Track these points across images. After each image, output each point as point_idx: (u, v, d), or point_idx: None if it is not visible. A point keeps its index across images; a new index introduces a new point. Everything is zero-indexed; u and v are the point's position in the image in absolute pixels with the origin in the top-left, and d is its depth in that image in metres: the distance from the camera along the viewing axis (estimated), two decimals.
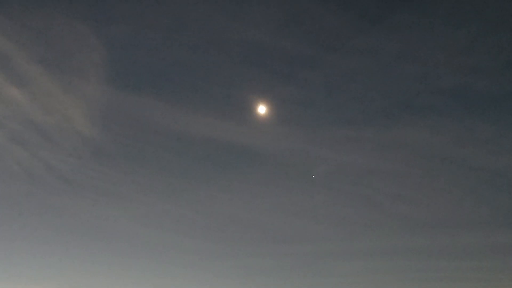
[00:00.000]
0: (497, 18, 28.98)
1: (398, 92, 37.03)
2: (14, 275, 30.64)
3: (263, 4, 29.05)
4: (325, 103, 37.15)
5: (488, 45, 30.36)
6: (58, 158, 31.43)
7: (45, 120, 27.67)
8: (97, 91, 28.04)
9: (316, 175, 46.84)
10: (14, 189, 30.53)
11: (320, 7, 30.07)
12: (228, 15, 29.11)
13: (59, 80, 27.34)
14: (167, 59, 30.54)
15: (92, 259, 38.05)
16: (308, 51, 31.99)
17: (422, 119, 40.66)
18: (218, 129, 36.91)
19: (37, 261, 33.19)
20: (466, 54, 31.21)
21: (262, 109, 30.06)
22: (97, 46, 26.75)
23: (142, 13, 28.15)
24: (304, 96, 37.01)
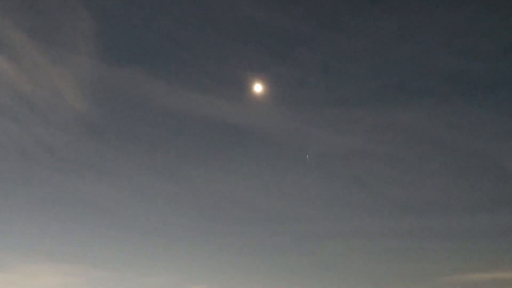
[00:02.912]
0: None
1: (394, 74, 36.69)
2: (4, 248, 30.61)
3: None
4: (320, 83, 36.70)
5: (487, 27, 29.91)
6: (49, 133, 30.96)
7: (35, 94, 27.07)
8: (88, 65, 27.34)
9: (310, 156, 46.88)
10: (4, 163, 30.14)
11: None
12: None
13: (48, 52, 26.56)
14: (160, 34, 29.73)
15: (83, 233, 38.09)
16: (305, 30, 31.30)
17: (418, 102, 40.52)
18: (213, 106, 36.40)
19: (27, 234, 33.17)
20: (465, 36, 30.76)
21: (257, 88, 29.65)
22: (87, 17, 25.89)
23: None
24: (300, 76, 36.51)
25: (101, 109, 32.40)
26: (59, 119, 30.14)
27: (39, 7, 24.83)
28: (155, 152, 40.21)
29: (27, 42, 24.92)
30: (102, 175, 40.06)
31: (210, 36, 30.42)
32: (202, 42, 30.92)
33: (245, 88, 32.25)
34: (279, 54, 31.87)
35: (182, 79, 33.72)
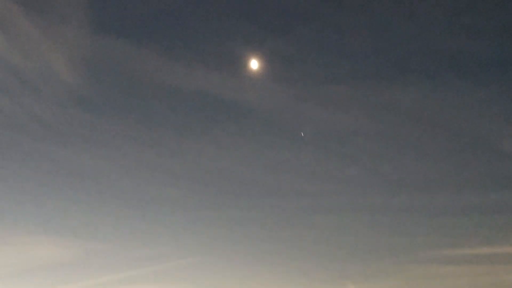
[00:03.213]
0: None
1: (393, 52, 36.30)
2: None
3: None
4: (317, 59, 36.28)
5: (488, 6, 29.37)
6: (41, 106, 30.57)
7: (26, 66, 26.51)
8: (80, 37, 26.69)
9: (305, 133, 47.24)
10: None
11: None
12: None
13: (39, 23, 25.82)
14: (154, 7, 28.92)
15: (77, 206, 38.29)
16: (304, 5, 30.60)
17: (416, 82, 40.37)
18: (208, 81, 36.03)
19: (20, 206, 33.25)
20: (465, 15, 30.23)
21: (254, 64, 29.29)
22: None
23: None
24: (297, 52, 35.99)
25: (94, 83, 31.85)
26: (50, 92, 29.66)
27: None
28: (149, 126, 39.96)
29: (17, 12, 24.16)
30: (95, 148, 39.89)
31: (206, 9, 29.65)
32: (198, 16, 30.17)
33: (241, 63, 31.82)
34: (276, 29, 31.25)
35: (177, 53, 33.11)
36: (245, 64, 30.55)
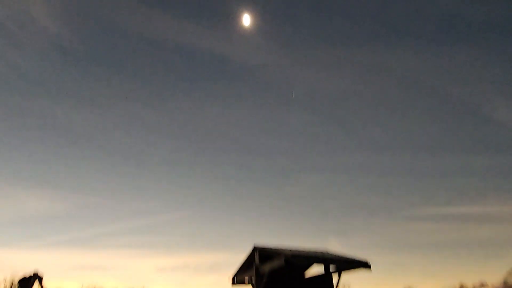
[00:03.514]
0: None
1: (387, 15, 35.20)
2: None
3: None
4: (311, 19, 34.94)
5: None
6: (25, 59, 29.13)
7: (6, 16, 24.71)
8: None
9: (296, 94, 45.78)
10: None
11: None
12: None
13: None
14: None
15: (67, 162, 37.01)
16: None
17: (409, 45, 39.26)
18: (198, 36, 34.08)
19: (10, 160, 32.00)
20: None
21: (246, 20, 27.69)
22: None
23: None
24: (291, 10, 34.37)
25: (78, 35, 30.06)
26: (34, 44, 28.03)
27: None
28: (137, 81, 38.25)
29: None
30: (81, 102, 38.37)
31: None
32: None
33: (233, 19, 30.19)
34: None
35: (167, 6, 31.48)
36: (237, 20, 28.72)
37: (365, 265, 11.76)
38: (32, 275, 6.84)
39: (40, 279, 6.87)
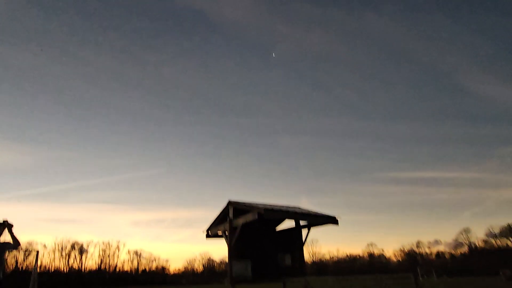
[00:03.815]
0: None
1: None
2: None
3: None
4: None
5: None
6: None
7: None
8: None
9: (277, 54, 46.75)
10: None
11: None
12: None
13: None
14: None
15: (37, 115, 36.09)
16: None
17: (389, 10, 39.98)
18: None
19: None
20: None
21: None
22: None
23: None
24: None
25: None
26: None
27: None
28: (110, 32, 37.26)
29: None
30: (52, 51, 36.59)
31: None
32: None
33: None
34: None
35: None
36: None
37: (333, 220, 12.47)
38: (1, 222, 6.70)
39: (10, 227, 6.75)
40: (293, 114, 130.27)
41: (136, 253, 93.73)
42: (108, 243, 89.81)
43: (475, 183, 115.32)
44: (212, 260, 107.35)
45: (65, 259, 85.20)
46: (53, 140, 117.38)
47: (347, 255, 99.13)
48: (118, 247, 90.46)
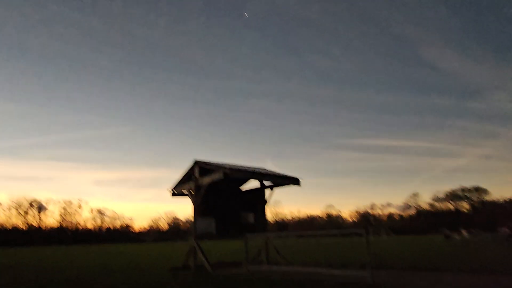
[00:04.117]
0: None
1: None
2: None
3: None
4: None
5: None
6: None
7: None
8: None
9: (249, 14, 46.45)
10: None
11: None
12: None
13: None
14: None
15: None
16: None
17: None
18: None
19: None
20: None
21: None
22: None
23: None
24: None
25: None
26: None
27: None
28: None
29: None
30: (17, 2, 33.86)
31: None
32: None
33: None
34: None
35: None
36: None
37: (296, 181, 13.05)
38: None
39: None
40: (263, 77, 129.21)
41: (99, 211, 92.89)
42: (70, 202, 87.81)
43: (427, 152, 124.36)
44: (178, 219, 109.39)
45: (23, 216, 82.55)
46: (9, 92, 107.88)
47: (308, 216, 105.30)
48: (80, 206, 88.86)
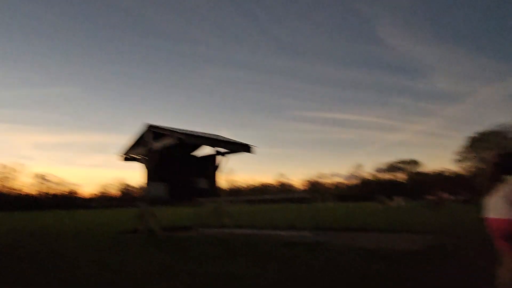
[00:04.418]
0: None
1: None
2: None
3: None
4: None
5: None
6: None
7: None
8: None
9: None
10: None
11: None
12: None
13: None
14: None
15: None
16: None
17: None
18: None
19: None
20: None
21: None
22: None
23: None
24: None
25: None
26: None
27: None
28: None
29: None
30: None
31: None
32: None
33: None
34: None
35: None
36: None
37: (248, 148, 13.41)
38: None
39: None
40: (222, 44, 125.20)
41: (41, 176, 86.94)
42: (7, 165, 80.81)
43: (372, 126, 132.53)
44: (129, 186, 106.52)
45: None
46: None
47: (261, 184, 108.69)
48: (18, 170, 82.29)
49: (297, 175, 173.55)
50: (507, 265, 2.74)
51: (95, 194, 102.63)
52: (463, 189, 47.02)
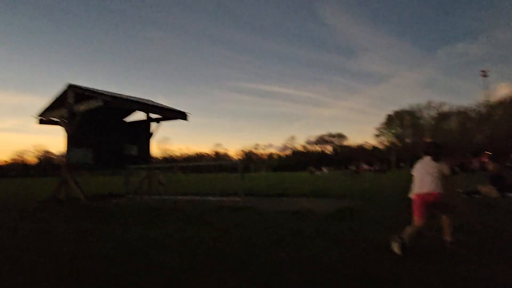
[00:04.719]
0: None
1: None
2: None
3: None
4: None
5: None
6: None
7: None
8: None
9: None
10: None
11: None
12: None
13: None
14: None
15: None
16: None
17: None
18: None
19: None
20: None
21: None
22: None
23: None
24: None
25: None
26: None
27: None
28: None
29: None
30: None
31: None
32: None
33: None
34: None
35: None
36: None
37: (183, 116, 13.11)
38: None
39: None
40: (162, 7, 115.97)
41: None
42: None
43: (306, 100, 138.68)
44: (49, 153, 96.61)
45: None
46: None
47: (196, 153, 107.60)
48: None
49: (233, 145, 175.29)
50: (414, 224, 3.58)
51: (10, 162, 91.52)
52: (378, 160, 52.83)
